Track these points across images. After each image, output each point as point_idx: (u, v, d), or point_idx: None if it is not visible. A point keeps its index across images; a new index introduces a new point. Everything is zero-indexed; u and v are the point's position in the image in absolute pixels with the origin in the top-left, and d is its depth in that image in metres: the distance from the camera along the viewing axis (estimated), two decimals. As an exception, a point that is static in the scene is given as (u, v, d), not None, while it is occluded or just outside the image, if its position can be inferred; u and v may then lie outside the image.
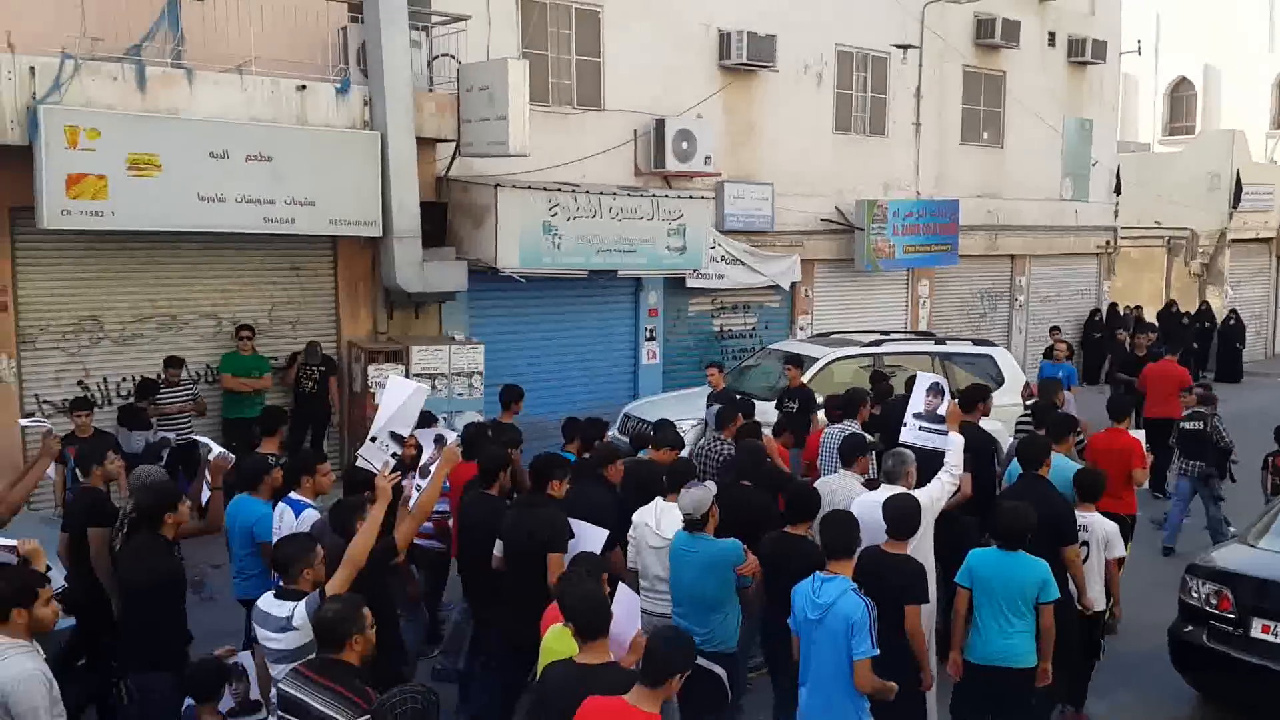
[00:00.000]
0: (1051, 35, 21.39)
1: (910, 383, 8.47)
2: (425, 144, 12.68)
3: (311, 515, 6.55)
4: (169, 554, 5.98)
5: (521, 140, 12.12)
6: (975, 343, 14.61)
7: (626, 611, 5.27)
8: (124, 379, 11.55)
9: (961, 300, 20.81)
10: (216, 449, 7.00)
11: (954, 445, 7.26)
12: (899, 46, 18.52)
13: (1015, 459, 7.77)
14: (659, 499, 6.81)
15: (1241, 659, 7.09)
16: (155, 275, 11.79)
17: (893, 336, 14.34)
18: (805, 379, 11.86)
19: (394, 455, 6.42)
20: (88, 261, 11.36)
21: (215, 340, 12.15)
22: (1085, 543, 7.11)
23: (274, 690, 4.80)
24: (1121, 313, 22.45)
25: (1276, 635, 7.01)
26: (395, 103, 11.84)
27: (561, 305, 14.85)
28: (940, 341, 14.33)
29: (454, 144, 12.88)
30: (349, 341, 12.87)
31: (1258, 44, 35.92)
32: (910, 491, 6.66)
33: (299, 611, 4.99)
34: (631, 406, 13.48)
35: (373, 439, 6.63)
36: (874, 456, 8.13)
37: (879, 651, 5.46)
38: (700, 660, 5.47)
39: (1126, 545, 8.14)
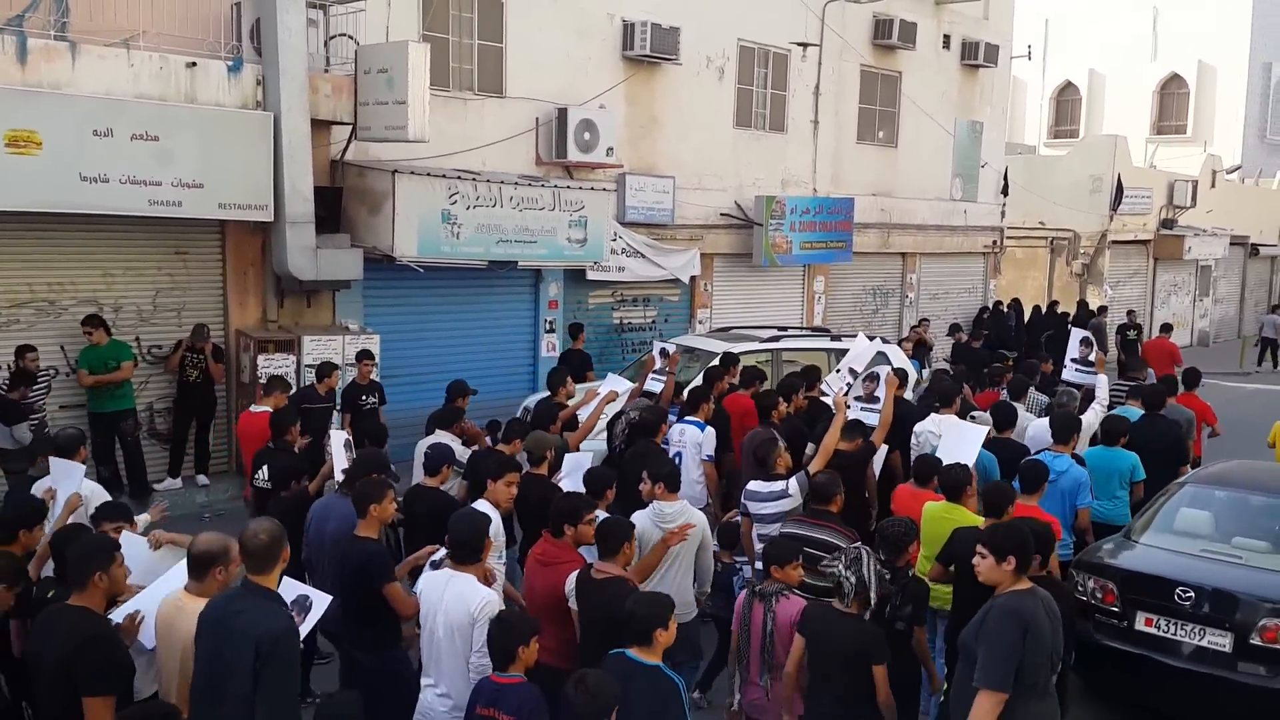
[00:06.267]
0: (946, 38, 21.84)
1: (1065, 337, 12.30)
2: (320, 126, 12.35)
3: (712, 432, 8.76)
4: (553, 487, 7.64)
5: (421, 125, 11.90)
6: (869, 339, 14.83)
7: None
8: (0, 367, 10.94)
9: (854, 297, 21.15)
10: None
11: (1102, 383, 10.19)
12: (799, 44, 18.67)
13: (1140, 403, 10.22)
14: (933, 413, 9.32)
15: (1126, 651, 7.32)
16: (33, 258, 11.19)
17: (790, 332, 14.48)
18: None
19: (848, 384, 8.65)
20: (-41, 242, 10.75)
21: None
22: None
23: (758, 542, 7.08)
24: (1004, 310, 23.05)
25: (1159, 627, 7.25)
26: (290, 83, 11.50)
27: (460, 296, 14.62)
28: (836, 338, 14.56)
29: (350, 127, 12.56)
30: (237, 330, 12.45)
31: (1141, 52, 37.32)
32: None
33: (792, 484, 7.14)
34: (532, 399, 13.33)
35: (837, 371, 9.56)
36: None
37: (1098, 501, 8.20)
38: None
39: None
